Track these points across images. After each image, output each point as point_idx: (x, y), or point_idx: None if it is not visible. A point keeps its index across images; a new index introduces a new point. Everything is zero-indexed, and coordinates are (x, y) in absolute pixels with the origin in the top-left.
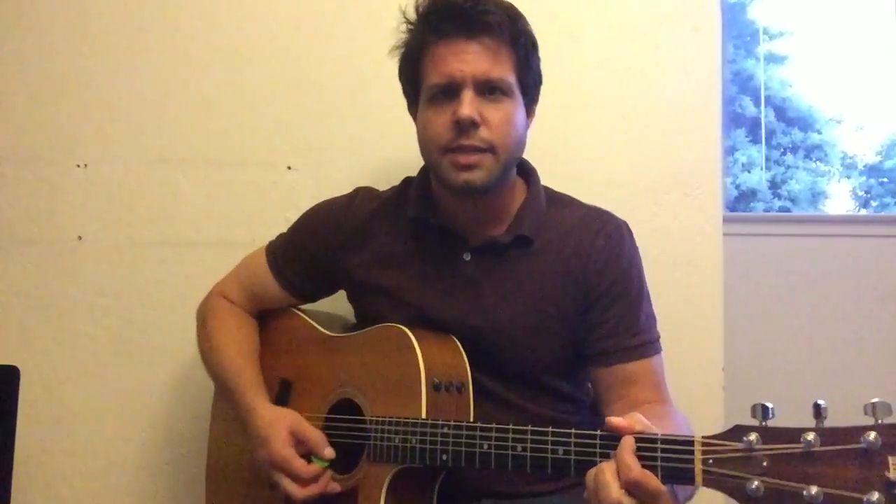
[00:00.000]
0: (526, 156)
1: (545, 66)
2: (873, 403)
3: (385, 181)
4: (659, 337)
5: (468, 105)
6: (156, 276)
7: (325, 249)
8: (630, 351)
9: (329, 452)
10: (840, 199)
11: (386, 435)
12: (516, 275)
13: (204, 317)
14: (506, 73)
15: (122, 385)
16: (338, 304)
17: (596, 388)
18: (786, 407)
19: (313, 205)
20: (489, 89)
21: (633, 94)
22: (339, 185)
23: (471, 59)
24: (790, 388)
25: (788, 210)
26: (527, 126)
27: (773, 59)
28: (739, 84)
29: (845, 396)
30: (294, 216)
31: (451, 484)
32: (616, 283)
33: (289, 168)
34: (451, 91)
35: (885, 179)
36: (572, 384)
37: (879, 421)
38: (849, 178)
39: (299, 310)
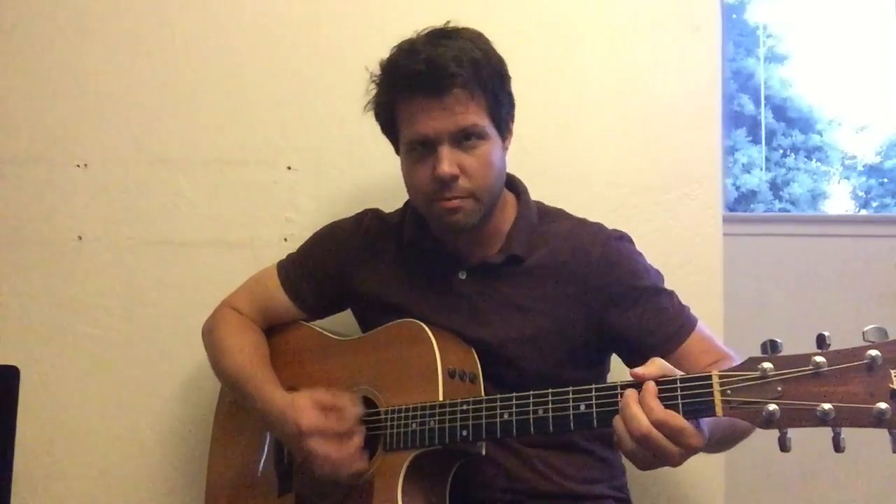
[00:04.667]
0: (526, 157)
1: (545, 66)
2: (869, 329)
3: (384, 181)
4: (687, 307)
5: (446, 163)
6: (156, 276)
7: (336, 266)
8: (677, 336)
9: (359, 409)
10: (840, 199)
11: (402, 422)
12: (510, 291)
13: (212, 326)
14: (478, 119)
15: (122, 385)
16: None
17: None
18: None
19: (323, 226)
20: (464, 136)
21: (633, 94)
22: (339, 185)
23: (441, 115)
24: None
25: (789, 212)
26: (504, 154)
27: (773, 58)
28: (739, 83)
29: None
30: (294, 216)
31: (464, 480)
32: (632, 285)
33: (289, 168)
34: (427, 145)
35: (885, 180)
36: None
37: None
38: (848, 178)
39: (307, 321)
